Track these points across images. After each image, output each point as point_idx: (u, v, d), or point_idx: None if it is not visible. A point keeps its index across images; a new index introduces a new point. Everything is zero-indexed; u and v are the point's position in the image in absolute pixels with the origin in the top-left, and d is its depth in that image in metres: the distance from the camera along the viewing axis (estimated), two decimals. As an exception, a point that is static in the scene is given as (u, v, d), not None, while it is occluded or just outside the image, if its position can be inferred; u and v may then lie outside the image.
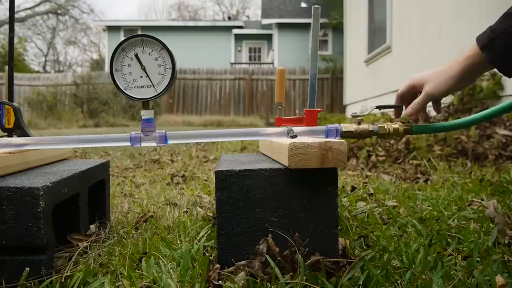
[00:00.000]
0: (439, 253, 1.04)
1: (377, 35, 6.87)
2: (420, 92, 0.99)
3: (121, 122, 11.58)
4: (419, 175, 2.41)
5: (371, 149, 3.14)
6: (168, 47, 0.92)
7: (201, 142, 4.52)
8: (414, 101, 1.01)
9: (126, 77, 0.93)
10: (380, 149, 3.12)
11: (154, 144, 0.96)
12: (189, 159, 3.48)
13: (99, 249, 1.06)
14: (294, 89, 12.97)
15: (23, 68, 19.33)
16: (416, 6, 5.20)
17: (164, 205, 1.66)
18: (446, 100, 3.60)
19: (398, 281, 0.85)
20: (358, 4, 7.90)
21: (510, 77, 0.90)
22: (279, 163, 0.99)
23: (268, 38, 17.54)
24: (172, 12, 31.85)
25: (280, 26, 16.31)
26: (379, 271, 0.86)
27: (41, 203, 0.85)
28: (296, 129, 0.98)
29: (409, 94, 1.03)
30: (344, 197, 1.69)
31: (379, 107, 1.08)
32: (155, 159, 3.48)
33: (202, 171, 2.76)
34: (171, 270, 0.91)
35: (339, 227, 1.07)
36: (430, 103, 1.01)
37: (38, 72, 22.34)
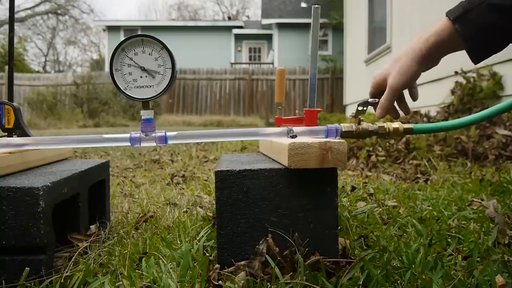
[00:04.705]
0: (439, 253, 1.04)
1: (377, 35, 6.87)
2: None
3: (121, 122, 11.59)
4: (419, 175, 2.41)
5: (371, 149, 3.14)
6: (168, 47, 0.92)
7: (201, 142, 4.52)
8: (381, 99, 0.91)
9: (126, 77, 0.93)
10: (380, 149, 3.12)
11: (154, 144, 0.96)
12: (189, 159, 3.48)
13: (99, 249, 1.06)
14: (294, 89, 12.97)
15: (23, 68, 19.34)
16: (416, 6, 5.20)
17: (164, 205, 1.66)
18: (446, 100, 3.60)
19: (398, 281, 0.85)
20: (358, 4, 7.91)
21: (476, 63, 0.81)
22: (279, 163, 0.99)
23: (268, 38, 17.54)
24: (172, 12, 31.89)
25: (280, 26, 16.31)
26: (379, 271, 0.86)
27: (41, 203, 0.85)
28: (296, 129, 0.97)
29: (380, 93, 0.93)
30: (344, 197, 1.69)
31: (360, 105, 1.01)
32: (155, 159, 3.48)
33: (202, 171, 2.75)
34: (171, 270, 0.91)
35: (339, 227, 1.07)
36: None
37: (38, 72, 22.34)
